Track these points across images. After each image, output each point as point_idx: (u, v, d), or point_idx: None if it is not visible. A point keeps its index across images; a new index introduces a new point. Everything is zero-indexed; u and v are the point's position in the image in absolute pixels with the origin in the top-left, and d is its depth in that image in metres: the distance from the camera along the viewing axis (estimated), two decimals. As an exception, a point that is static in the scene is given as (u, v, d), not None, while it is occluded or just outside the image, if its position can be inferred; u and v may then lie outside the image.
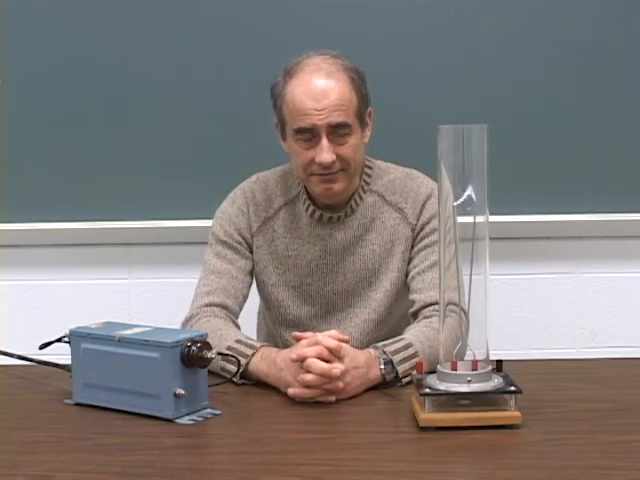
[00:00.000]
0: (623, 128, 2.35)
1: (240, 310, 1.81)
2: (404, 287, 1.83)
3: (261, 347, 1.58)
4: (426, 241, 1.79)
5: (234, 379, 1.54)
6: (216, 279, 1.78)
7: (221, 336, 1.63)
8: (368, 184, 1.83)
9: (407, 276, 1.81)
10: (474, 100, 2.30)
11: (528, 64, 2.32)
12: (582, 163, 2.35)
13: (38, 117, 2.38)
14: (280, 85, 1.73)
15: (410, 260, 1.81)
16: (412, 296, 1.77)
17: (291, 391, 1.46)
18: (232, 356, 1.54)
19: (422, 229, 1.80)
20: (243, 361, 1.55)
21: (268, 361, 1.54)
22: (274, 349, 1.58)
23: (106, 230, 2.40)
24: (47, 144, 2.39)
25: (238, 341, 1.61)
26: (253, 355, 1.56)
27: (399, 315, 1.86)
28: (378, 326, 1.82)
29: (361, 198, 1.82)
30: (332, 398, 1.45)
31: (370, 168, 1.84)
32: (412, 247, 1.81)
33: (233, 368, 1.55)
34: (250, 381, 1.56)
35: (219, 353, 1.50)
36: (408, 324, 1.83)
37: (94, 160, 2.38)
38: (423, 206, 1.81)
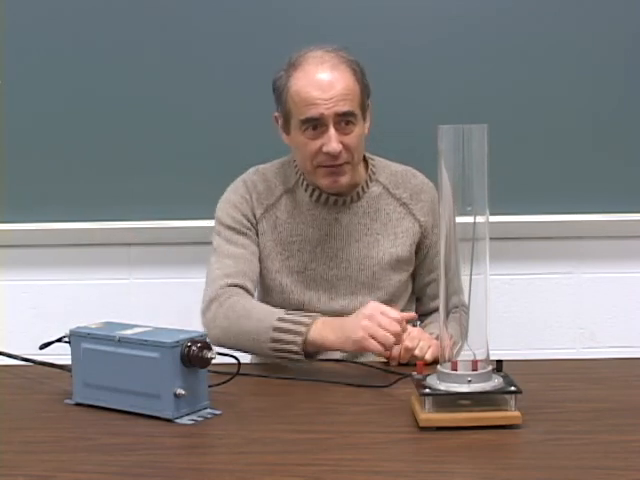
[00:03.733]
0: (624, 128, 2.35)
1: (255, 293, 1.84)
2: (407, 275, 1.89)
3: (317, 315, 1.64)
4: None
5: (294, 356, 1.60)
6: (232, 263, 1.80)
7: (264, 309, 1.69)
8: (375, 173, 1.87)
9: (421, 275, 1.91)
10: (474, 100, 2.30)
11: (528, 64, 2.32)
12: (582, 163, 2.35)
13: (38, 117, 2.38)
14: (284, 78, 1.76)
15: (425, 258, 1.88)
16: (433, 304, 1.87)
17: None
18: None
19: (433, 231, 1.87)
20: (303, 329, 1.59)
21: (332, 326, 1.60)
22: (331, 318, 1.65)
23: (107, 230, 2.40)
24: (47, 144, 2.39)
25: (288, 313, 1.65)
26: (312, 322, 1.60)
27: (402, 304, 1.89)
28: None
29: (368, 186, 1.86)
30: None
31: (373, 160, 1.89)
32: (426, 243, 1.88)
33: (291, 338, 1.59)
34: (308, 355, 1.61)
35: (275, 328, 1.60)
36: (411, 310, 1.92)
37: (94, 160, 2.38)
38: (432, 208, 1.87)
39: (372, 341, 1.53)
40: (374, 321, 1.54)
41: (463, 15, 2.31)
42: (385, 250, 1.84)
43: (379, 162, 1.90)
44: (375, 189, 1.86)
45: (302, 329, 1.60)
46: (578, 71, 2.32)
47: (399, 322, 1.53)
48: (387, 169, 1.89)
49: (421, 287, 1.93)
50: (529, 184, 2.35)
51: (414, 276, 1.93)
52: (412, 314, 1.62)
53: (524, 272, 2.44)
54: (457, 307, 1.37)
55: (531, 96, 2.33)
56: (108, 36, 2.34)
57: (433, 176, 1.76)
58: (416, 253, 1.89)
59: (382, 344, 1.53)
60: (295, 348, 1.59)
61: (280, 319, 1.63)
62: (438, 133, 1.32)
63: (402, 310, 1.87)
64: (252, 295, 1.80)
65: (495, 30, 2.32)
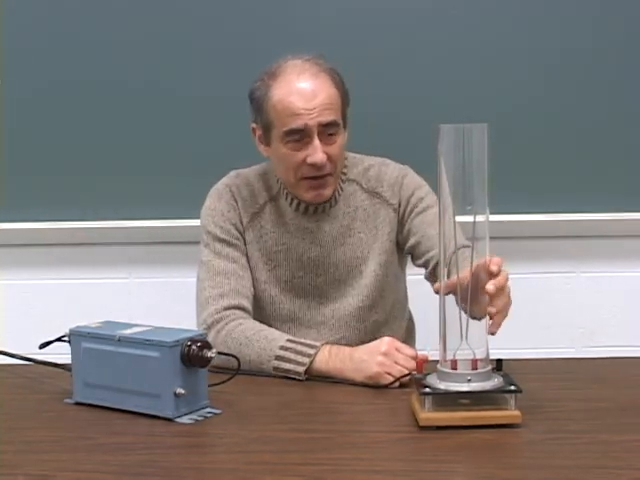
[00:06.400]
0: (624, 127, 2.35)
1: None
2: (394, 268, 1.87)
3: (323, 345, 1.60)
4: (417, 209, 1.83)
5: (298, 377, 1.57)
6: (225, 280, 1.76)
7: (266, 337, 1.65)
8: (345, 174, 1.85)
9: (410, 249, 1.84)
10: (474, 100, 2.30)
11: (529, 63, 2.32)
12: (582, 162, 2.35)
13: (38, 116, 2.38)
14: (262, 88, 1.74)
15: (408, 233, 1.83)
16: (426, 257, 1.79)
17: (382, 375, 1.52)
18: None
19: (408, 202, 1.83)
20: (306, 360, 1.57)
21: (341, 357, 1.57)
22: (338, 346, 1.61)
23: (106, 229, 2.40)
24: (47, 144, 2.39)
25: (291, 340, 1.63)
26: (317, 353, 1.58)
27: (392, 299, 1.89)
28: (372, 311, 1.84)
29: (342, 188, 1.84)
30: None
31: (345, 158, 1.85)
32: (403, 222, 1.84)
33: (292, 367, 1.58)
34: (314, 377, 1.58)
35: (277, 357, 1.58)
36: (403, 308, 1.93)
37: (94, 159, 2.39)
38: (401, 185, 1.84)
39: (388, 377, 1.52)
40: (390, 358, 1.53)
41: (464, 14, 2.31)
42: (370, 247, 1.83)
43: (353, 158, 1.88)
44: (349, 188, 1.84)
45: (306, 360, 1.58)
46: (578, 70, 2.32)
47: (414, 358, 1.52)
48: (360, 165, 1.87)
49: (413, 246, 1.83)
50: (529, 183, 2.35)
51: (402, 243, 1.86)
52: (427, 356, 1.52)
53: (524, 271, 2.44)
54: (463, 246, 1.35)
55: (530, 96, 2.33)
56: (108, 36, 2.35)
57: (433, 175, 1.77)
58: (399, 231, 1.85)
59: (397, 379, 1.52)
60: (298, 377, 1.58)
61: (283, 347, 1.61)
62: (439, 133, 1.32)
63: (392, 302, 1.88)
64: (250, 313, 1.76)
65: (497, 29, 2.32)
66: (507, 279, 1.40)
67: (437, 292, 1.37)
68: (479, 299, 1.35)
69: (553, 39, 2.32)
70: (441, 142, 1.32)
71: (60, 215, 2.39)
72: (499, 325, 1.38)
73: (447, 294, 1.35)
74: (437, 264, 1.64)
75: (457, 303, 1.34)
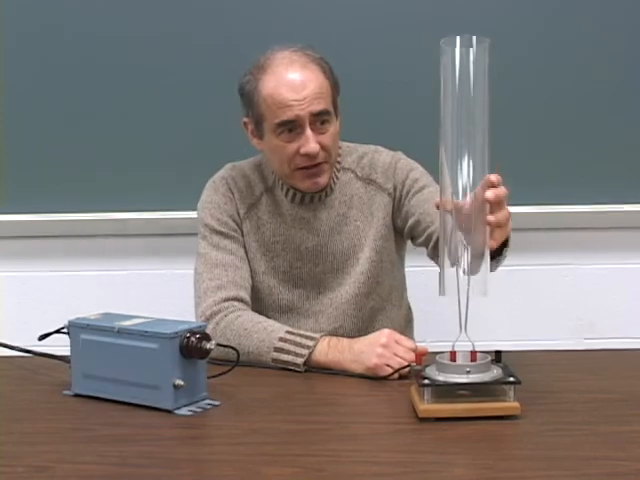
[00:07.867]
0: (625, 119, 2.34)
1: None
2: (390, 254, 1.87)
3: (322, 336, 1.61)
4: (414, 190, 1.83)
5: (297, 368, 1.58)
6: (223, 272, 1.77)
7: (265, 328, 1.65)
8: (340, 162, 1.85)
9: (410, 230, 1.83)
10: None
11: (529, 58, 2.32)
12: (581, 154, 2.35)
13: (38, 110, 2.38)
14: (252, 82, 1.74)
15: (407, 214, 1.83)
16: (427, 233, 1.78)
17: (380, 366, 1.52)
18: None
19: (404, 185, 1.84)
20: (305, 351, 1.58)
21: (340, 349, 1.58)
22: (337, 338, 1.62)
23: (106, 221, 2.40)
24: (47, 136, 2.39)
25: (290, 332, 1.63)
26: (316, 345, 1.59)
27: (389, 285, 1.89)
28: (369, 297, 1.84)
29: (337, 177, 1.84)
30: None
31: (340, 147, 1.86)
32: (400, 206, 1.84)
33: (291, 358, 1.58)
34: (313, 368, 1.59)
35: (276, 348, 1.59)
36: (401, 296, 1.93)
37: (93, 152, 2.39)
38: (395, 169, 1.85)
39: (387, 368, 1.52)
40: (389, 350, 1.53)
41: (462, 7, 2.31)
42: (366, 234, 1.83)
43: (347, 147, 1.88)
44: (344, 177, 1.85)
45: (304, 351, 1.59)
46: (577, 66, 2.33)
47: (413, 350, 1.53)
48: (354, 153, 1.87)
49: (412, 226, 1.83)
50: (528, 175, 2.35)
51: (401, 226, 1.86)
52: (426, 349, 1.52)
53: (523, 263, 2.44)
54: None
55: (527, 91, 2.33)
56: (107, 33, 2.34)
57: (426, 164, 1.77)
58: (397, 215, 1.85)
59: (396, 371, 1.52)
60: (297, 369, 1.59)
61: (282, 339, 1.62)
62: (440, 48, 1.30)
63: (388, 289, 1.88)
64: (248, 304, 1.77)
65: (493, 24, 2.32)
66: (505, 194, 1.36)
67: (437, 207, 1.35)
68: (479, 228, 1.32)
69: (553, 37, 2.31)
70: (442, 57, 1.31)
71: (59, 207, 2.39)
72: (499, 241, 1.38)
73: (450, 211, 1.32)
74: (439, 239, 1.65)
75: (457, 229, 1.31)
